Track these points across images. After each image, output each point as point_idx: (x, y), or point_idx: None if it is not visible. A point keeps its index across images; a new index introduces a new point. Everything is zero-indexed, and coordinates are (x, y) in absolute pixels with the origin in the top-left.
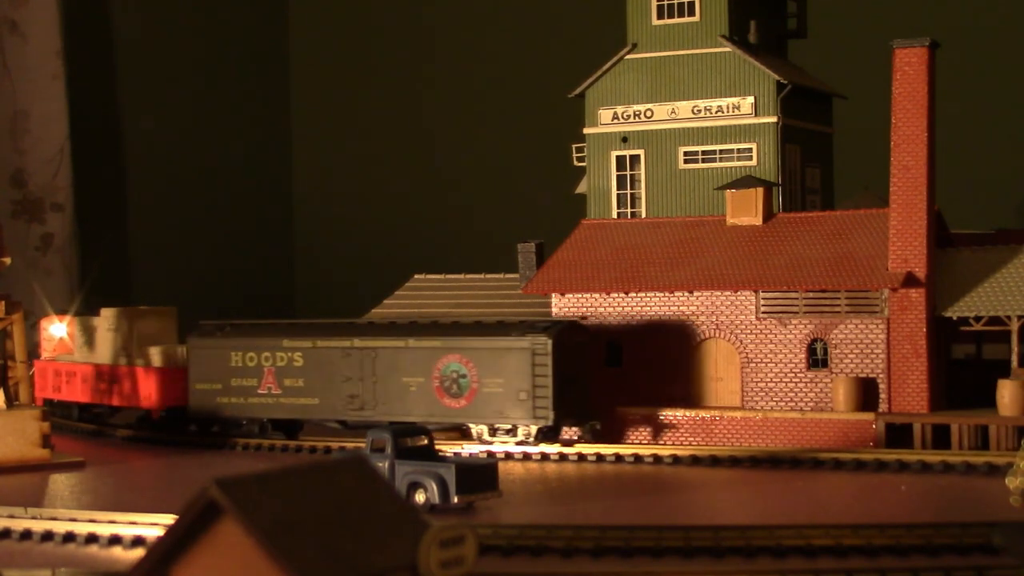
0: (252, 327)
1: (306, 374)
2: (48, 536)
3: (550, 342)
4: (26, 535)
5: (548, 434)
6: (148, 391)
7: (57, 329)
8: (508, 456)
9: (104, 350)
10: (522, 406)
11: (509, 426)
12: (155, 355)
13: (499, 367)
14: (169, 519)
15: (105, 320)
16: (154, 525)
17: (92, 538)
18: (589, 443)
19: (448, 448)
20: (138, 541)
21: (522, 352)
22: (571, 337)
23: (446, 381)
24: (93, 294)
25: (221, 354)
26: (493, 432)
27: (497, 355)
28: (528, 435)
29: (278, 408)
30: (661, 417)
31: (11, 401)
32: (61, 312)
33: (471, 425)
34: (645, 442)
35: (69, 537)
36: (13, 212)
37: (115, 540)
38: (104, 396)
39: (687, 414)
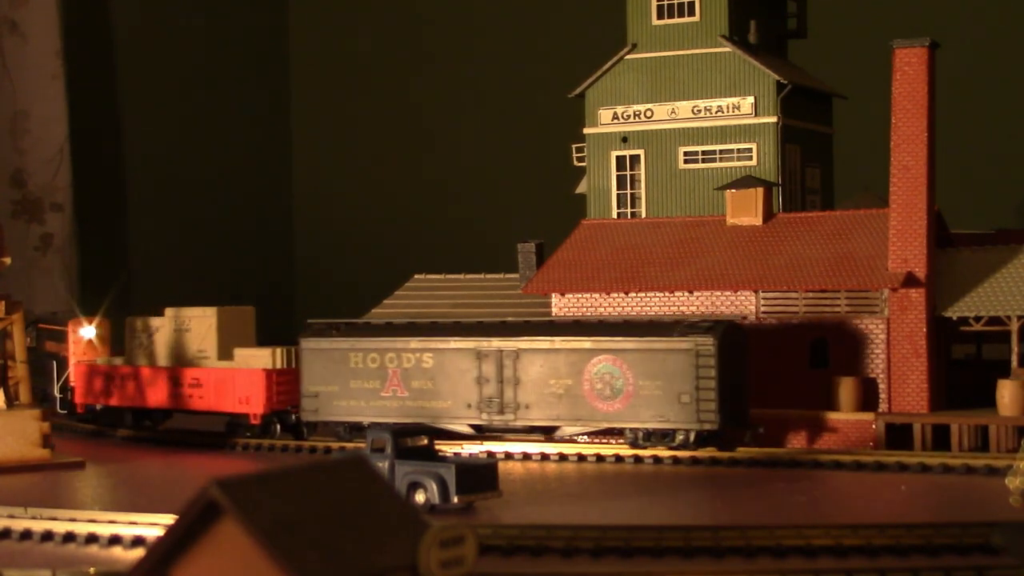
0: (370, 327)
1: (436, 376)
2: (48, 536)
3: (714, 342)
4: (26, 535)
5: (709, 439)
6: (249, 394)
7: (87, 331)
8: (508, 456)
9: (170, 351)
10: (684, 409)
11: (666, 430)
12: (253, 356)
13: (658, 369)
14: (169, 519)
15: (170, 320)
16: (154, 525)
17: (92, 538)
18: (752, 448)
19: (448, 448)
20: (138, 541)
21: (684, 353)
22: (732, 337)
23: (598, 383)
24: (93, 294)
25: (339, 355)
26: (648, 437)
27: (655, 356)
28: (688, 440)
29: (404, 411)
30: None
31: (11, 401)
32: (90, 315)
33: (625, 429)
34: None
35: (69, 537)
36: (13, 212)
37: (115, 540)
38: (180, 401)
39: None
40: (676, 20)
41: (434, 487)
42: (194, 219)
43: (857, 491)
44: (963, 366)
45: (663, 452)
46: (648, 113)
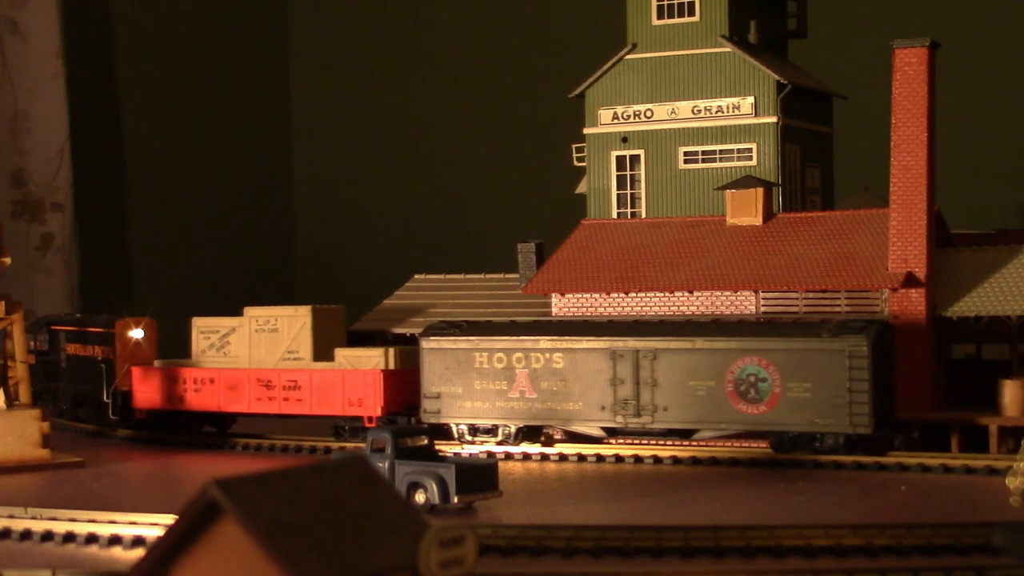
0: (495, 326)
1: (567, 376)
2: (48, 536)
3: (867, 343)
4: (26, 535)
5: (860, 442)
6: (363, 396)
7: (136, 333)
8: (508, 456)
9: (251, 353)
10: (836, 413)
11: (814, 434)
12: (362, 356)
13: (807, 370)
14: (169, 519)
15: (249, 320)
16: (154, 525)
17: (92, 538)
18: (905, 452)
19: (448, 448)
20: (138, 541)
21: (836, 354)
22: (883, 338)
23: (742, 385)
24: (93, 294)
25: (462, 355)
26: (794, 441)
27: (805, 357)
28: (837, 444)
29: (531, 413)
30: None
31: (11, 401)
32: (138, 315)
33: (770, 433)
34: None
35: (69, 537)
36: (13, 212)
37: (115, 540)
38: (270, 404)
39: None
40: (676, 20)
41: (434, 487)
42: (194, 219)
43: (857, 491)
44: (963, 366)
45: (663, 452)
46: (648, 113)
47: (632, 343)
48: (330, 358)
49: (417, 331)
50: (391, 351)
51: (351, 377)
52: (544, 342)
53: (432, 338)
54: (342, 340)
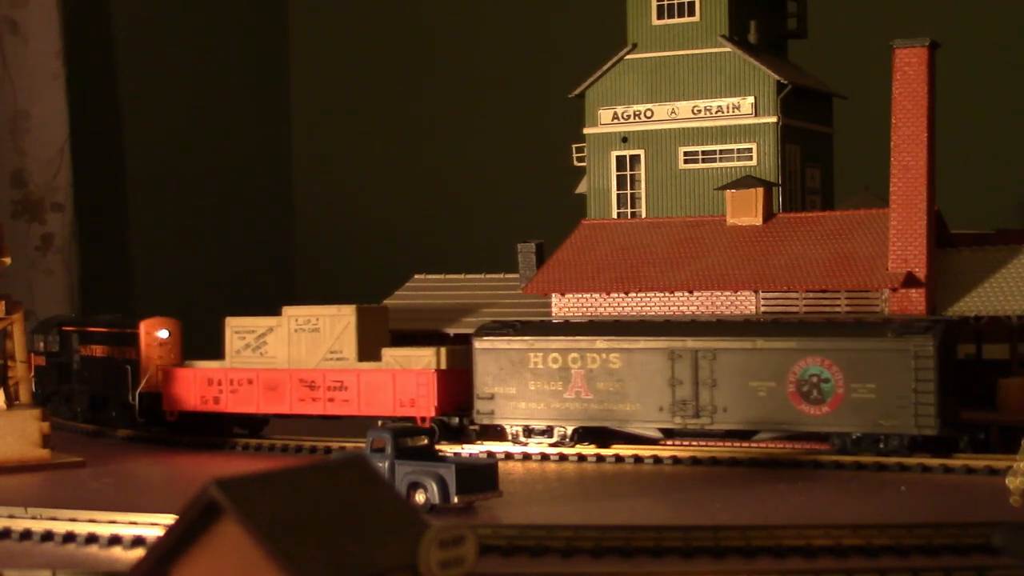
0: (550, 326)
1: (624, 377)
2: (48, 536)
3: (933, 343)
4: (26, 535)
5: (924, 444)
6: (415, 396)
7: (162, 333)
8: (508, 456)
9: (291, 353)
10: (902, 414)
11: (878, 435)
12: (412, 356)
13: (872, 371)
14: (169, 519)
15: (288, 320)
16: (154, 525)
17: (92, 538)
18: (968, 454)
19: (448, 449)
20: (138, 541)
21: (902, 354)
22: (948, 338)
23: (804, 386)
24: (93, 294)
25: (517, 355)
26: (857, 442)
27: (869, 357)
28: (901, 446)
29: (588, 414)
30: None
31: (11, 401)
32: (161, 316)
33: (832, 434)
34: None
35: (69, 537)
36: (13, 212)
37: (115, 540)
38: (314, 405)
39: None
40: (676, 20)
41: (434, 487)
42: (194, 219)
43: (857, 491)
44: (963, 366)
45: (663, 452)
46: (648, 113)
47: (691, 343)
48: (375, 358)
49: (462, 331)
50: (442, 351)
51: (402, 377)
52: (601, 342)
53: (485, 338)
54: (385, 340)
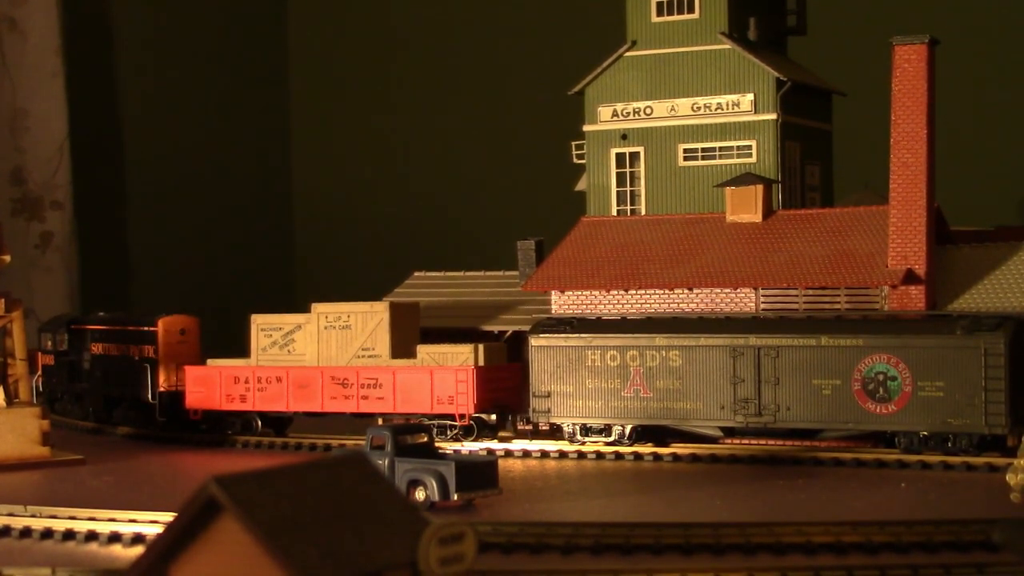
0: (608, 323)
1: (684, 375)
2: (48, 534)
3: (1004, 341)
4: (26, 533)
5: (993, 443)
6: (454, 393)
7: (183, 331)
8: (508, 453)
9: (321, 350)
10: (971, 412)
11: (946, 434)
12: (449, 353)
13: (940, 369)
14: (169, 517)
15: (318, 317)
16: (154, 523)
17: (92, 536)
18: None
19: (448, 447)
20: (138, 539)
21: (972, 352)
22: (1018, 335)
23: (870, 384)
24: (93, 292)
25: (574, 353)
26: (925, 441)
27: (937, 355)
28: (971, 444)
29: (647, 413)
30: None
31: (11, 399)
32: (179, 314)
33: (899, 433)
34: None
35: (69, 535)
36: (13, 210)
37: (115, 538)
38: (347, 403)
39: None
40: (675, 17)
41: (434, 484)
42: (194, 218)
43: (857, 488)
44: None
45: (663, 450)
46: (648, 110)
47: (753, 340)
48: (409, 355)
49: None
50: (480, 347)
51: (440, 374)
52: (660, 339)
53: (542, 336)
54: (416, 337)
